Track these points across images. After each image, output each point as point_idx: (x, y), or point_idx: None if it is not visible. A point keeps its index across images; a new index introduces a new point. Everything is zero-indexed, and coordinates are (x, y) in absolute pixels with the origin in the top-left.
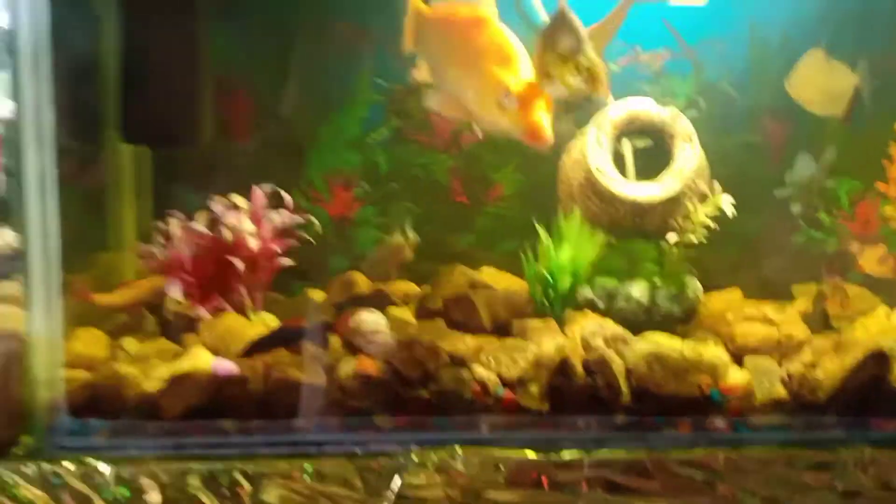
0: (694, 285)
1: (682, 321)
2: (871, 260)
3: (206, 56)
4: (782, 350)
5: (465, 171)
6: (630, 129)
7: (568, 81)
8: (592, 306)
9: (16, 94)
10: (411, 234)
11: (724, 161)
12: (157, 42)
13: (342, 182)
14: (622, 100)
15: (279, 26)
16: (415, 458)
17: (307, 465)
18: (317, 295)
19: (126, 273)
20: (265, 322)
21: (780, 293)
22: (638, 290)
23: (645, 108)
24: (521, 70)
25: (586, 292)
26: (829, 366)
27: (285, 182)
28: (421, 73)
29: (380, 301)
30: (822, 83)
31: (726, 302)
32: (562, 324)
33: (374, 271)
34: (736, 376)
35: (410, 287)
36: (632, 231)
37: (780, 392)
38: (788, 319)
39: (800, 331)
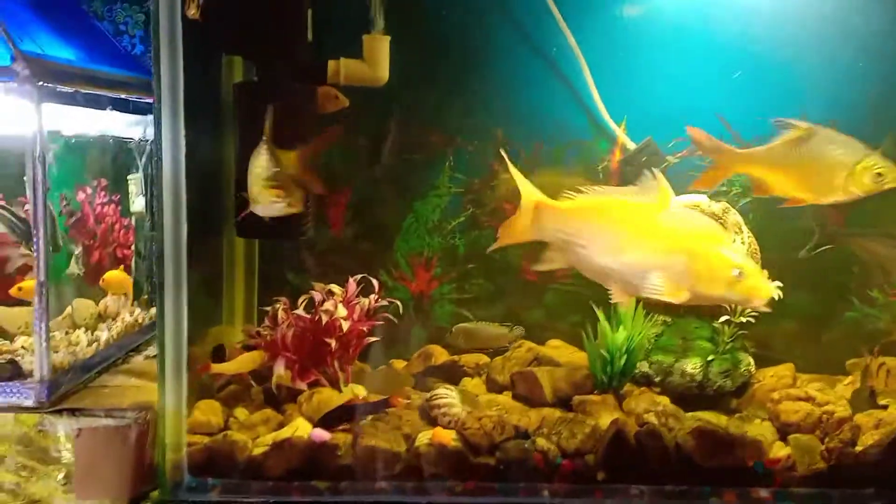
0: (747, 361)
1: (735, 395)
2: None
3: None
4: (823, 427)
5: (534, 252)
6: None
7: None
8: (648, 381)
9: (159, 208)
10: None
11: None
12: None
13: (423, 263)
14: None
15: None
16: None
17: None
18: (399, 365)
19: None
20: (354, 392)
21: (833, 368)
22: (691, 365)
23: (697, 201)
24: (729, 244)
25: (643, 367)
26: (869, 441)
27: (374, 264)
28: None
29: (454, 372)
30: None
31: (778, 377)
32: (619, 398)
33: None
34: (779, 451)
35: (482, 358)
36: (687, 311)
37: (821, 466)
38: (831, 398)
39: (841, 408)
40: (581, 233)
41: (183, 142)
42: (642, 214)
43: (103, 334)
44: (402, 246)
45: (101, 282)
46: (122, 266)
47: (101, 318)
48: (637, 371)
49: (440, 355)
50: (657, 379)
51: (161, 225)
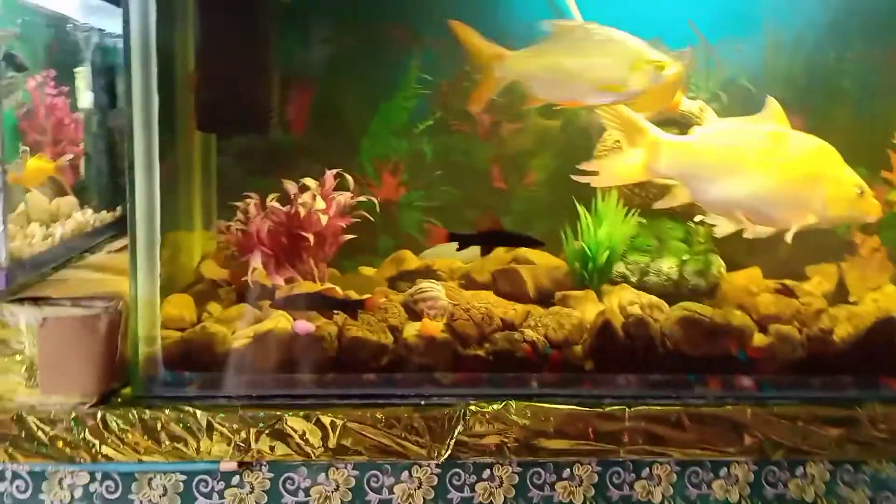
0: (718, 262)
1: (707, 295)
2: (867, 248)
3: (272, 54)
4: (801, 318)
5: (504, 158)
6: (659, 119)
7: None
8: (626, 280)
9: (128, 89)
10: None
11: None
12: (229, 42)
13: (390, 168)
14: None
15: (338, 28)
16: (473, 409)
17: (379, 414)
18: (368, 271)
19: (196, 249)
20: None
21: (794, 274)
22: (667, 265)
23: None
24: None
25: (619, 268)
26: (844, 332)
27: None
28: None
29: (427, 276)
30: None
31: (747, 279)
32: (599, 296)
33: None
34: (760, 340)
35: (455, 263)
36: (661, 212)
37: (800, 354)
38: (807, 292)
39: (818, 300)
40: (705, 168)
41: (153, 28)
42: (764, 142)
43: (57, 230)
44: (367, 150)
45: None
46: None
47: (53, 217)
48: (614, 272)
49: (412, 261)
50: (634, 279)
51: (130, 102)
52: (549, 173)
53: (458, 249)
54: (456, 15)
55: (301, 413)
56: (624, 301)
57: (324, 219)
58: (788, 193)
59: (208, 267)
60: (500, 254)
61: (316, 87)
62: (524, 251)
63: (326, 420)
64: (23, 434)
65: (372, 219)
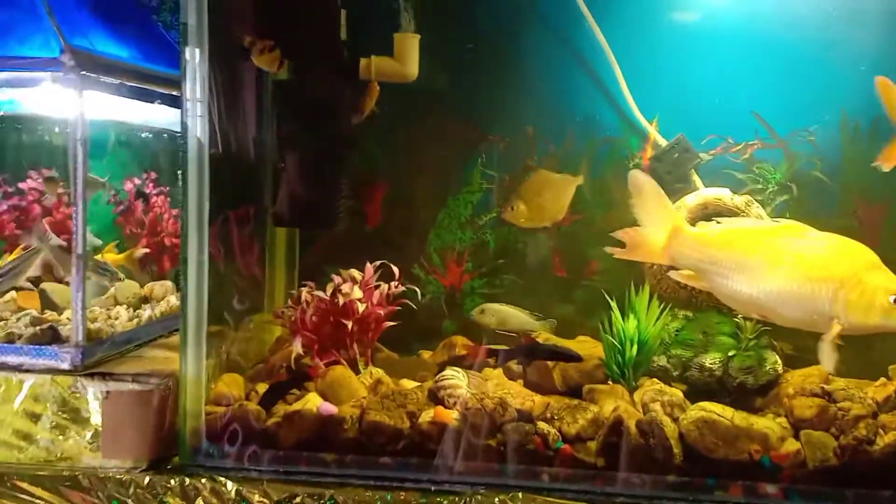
0: (773, 359)
1: (760, 394)
2: None
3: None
4: (839, 424)
5: (565, 247)
6: (704, 214)
7: None
8: (667, 375)
9: (184, 195)
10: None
11: None
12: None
13: (455, 258)
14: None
15: (411, 130)
16: (480, 498)
17: (388, 496)
18: (426, 355)
19: (273, 331)
20: (372, 374)
21: (876, 373)
22: (710, 360)
23: (718, 194)
24: (882, 266)
25: (661, 361)
26: (887, 441)
27: (408, 258)
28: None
29: (476, 361)
30: None
31: (806, 376)
32: (632, 390)
33: None
34: (787, 446)
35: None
36: (709, 305)
37: (833, 463)
38: (851, 395)
39: (859, 406)
40: (721, 263)
41: (205, 124)
42: (782, 242)
43: (145, 312)
44: (434, 240)
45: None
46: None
47: (147, 300)
48: (655, 365)
49: (463, 346)
50: (675, 373)
51: (186, 204)
52: (611, 262)
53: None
54: (520, 115)
55: (316, 491)
56: (647, 398)
57: (361, 307)
58: (805, 295)
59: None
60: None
61: (390, 183)
62: (578, 341)
63: (340, 499)
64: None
65: (415, 307)
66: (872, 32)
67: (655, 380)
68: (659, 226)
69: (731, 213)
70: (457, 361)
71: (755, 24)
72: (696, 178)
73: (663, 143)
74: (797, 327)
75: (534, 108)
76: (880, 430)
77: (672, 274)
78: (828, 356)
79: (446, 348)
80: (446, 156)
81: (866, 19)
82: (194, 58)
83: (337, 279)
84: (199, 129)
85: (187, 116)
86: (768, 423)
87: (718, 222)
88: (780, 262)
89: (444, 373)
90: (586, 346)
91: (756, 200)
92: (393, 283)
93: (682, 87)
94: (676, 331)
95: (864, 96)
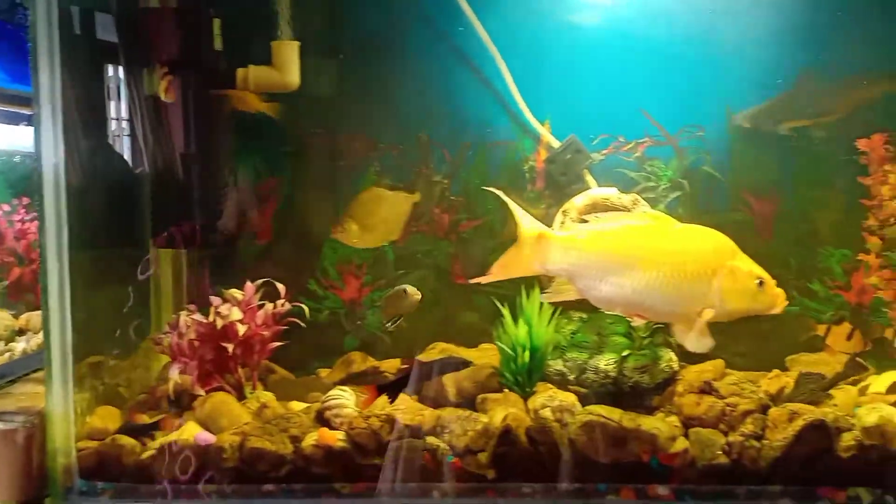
0: (668, 356)
1: (657, 391)
2: (837, 338)
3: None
4: (727, 420)
5: (464, 255)
6: (592, 213)
7: None
8: (564, 379)
9: (41, 222)
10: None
11: None
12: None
13: (353, 270)
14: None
15: (299, 141)
16: None
17: None
18: (324, 373)
19: (162, 358)
20: (259, 398)
21: (773, 364)
22: (605, 362)
23: (606, 193)
24: (741, 254)
25: (558, 365)
26: (776, 436)
27: (303, 273)
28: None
29: (374, 378)
30: None
31: (701, 372)
32: (528, 397)
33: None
34: (678, 445)
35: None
36: None
37: (722, 461)
38: (740, 390)
39: (746, 401)
40: (592, 265)
41: (62, 149)
42: (652, 238)
43: (19, 345)
44: (330, 254)
45: None
46: None
47: (22, 331)
48: (551, 369)
49: (361, 363)
50: (572, 376)
51: (43, 230)
52: None
53: (391, 403)
54: (412, 123)
55: None
56: (537, 404)
57: (241, 329)
58: (680, 288)
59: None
60: (434, 354)
61: (280, 197)
62: (482, 349)
63: None
64: None
65: (305, 325)
66: (756, 28)
67: (549, 385)
68: (523, 237)
69: (618, 210)
70: (355, 379)
71: (641, 23)
72: (589, 178)
73: (556, 144)
74: (669, 320)
75: (426, 115)
76: (770, 424)
77: (543, 297)
78: (700, 341)
79: (344, 365)
80: (338, 166)
81: (750, 15)
82: (47, 79)
83: (216, 301)
84: (53, 153)
85: (41, 140)
86: (656, 423)
87: (585, 220)
88: (652, 259)
89: (330, 392)
90: (487, 355)
91: (649, 198)
92: (279, 302)
93: (572, 88)
94: (572, 333)
95: (749, 91)
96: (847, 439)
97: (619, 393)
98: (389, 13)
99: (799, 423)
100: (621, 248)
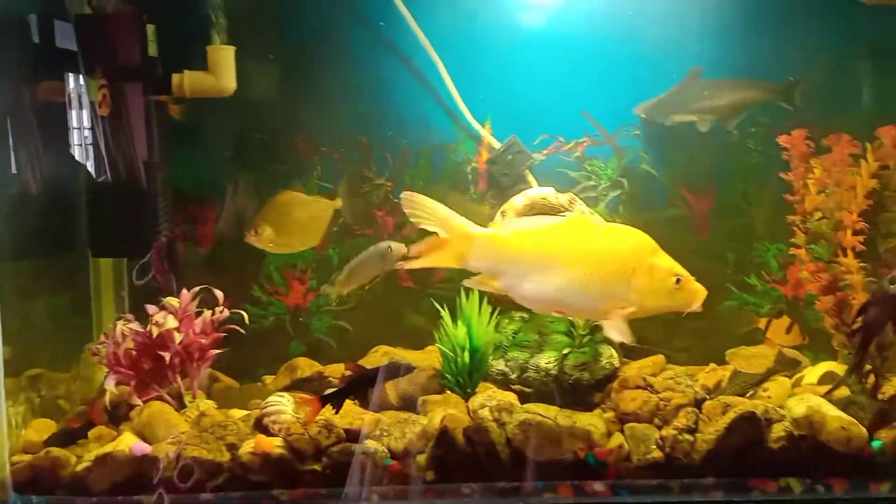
0: (609, 353)
1: (598, 388)
2: (777, 331)
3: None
4: (661, 414)
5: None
6: (530, 212)
7: None
8: (506, 378)
9: None
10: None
11: (651, 233)
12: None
13: (297, 275)
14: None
15: (238, 144)
16: None
17: None
18: (268, 380)
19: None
20: (198, 407)
21: (713, 358)
22: (545, 360)
23: (544, 193)
24: (660, 251)
25: (499, 365)
26: (709, 429)
27: (246, 279)
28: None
29: (320, 383)
30: None
31: (640, 367)
32: (469, 398)
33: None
34: (614, 441)
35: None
36: None
37: (657, 455)
38: (676, 384)
39: (680, 395)
40: (516, 263)
41: None
42: (572, 236)
43: None
44: (274, 259)
45: None
46: None
47: None
48: (493, 369)
49: (306, 369)
50: (514, 376)
51: None
52: (454, 271)
53: (335, 413)
54: (353, 125)
55: None
56: (475, 404)
57: (177, 337)
58: (600, 286)
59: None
60: (377, 357)
61: (220, 203)
62: (403, 355)
63: None
64: None
65: (243, 332)
66: (690, 28)
67: (489, 385)
68: (448, 234)
69: (556, 211)
70: (299, 385)
71: (580, 23)
72: (531, 178)
73: (497, 145)
74: (591, 317)
75: (367, 118)
76: (705, 418)
77: (466, 282)
78: (622, 331)
79: (288, 371)
80: (279, 170)
81: (684, 16)
82: None
83: (152, 309)
84: None
85: None
86: (591, 420)
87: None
88: (573, 257)
89: (268, 399)
90: (432, 357)
91: (590, 197)
92: (217, 309)
93: (512, 89)
94: (514, 333)
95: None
96: (777, 430)
97: (560, 391)
98: (329, 16)
99: (730, 416)
100: (543, 247)
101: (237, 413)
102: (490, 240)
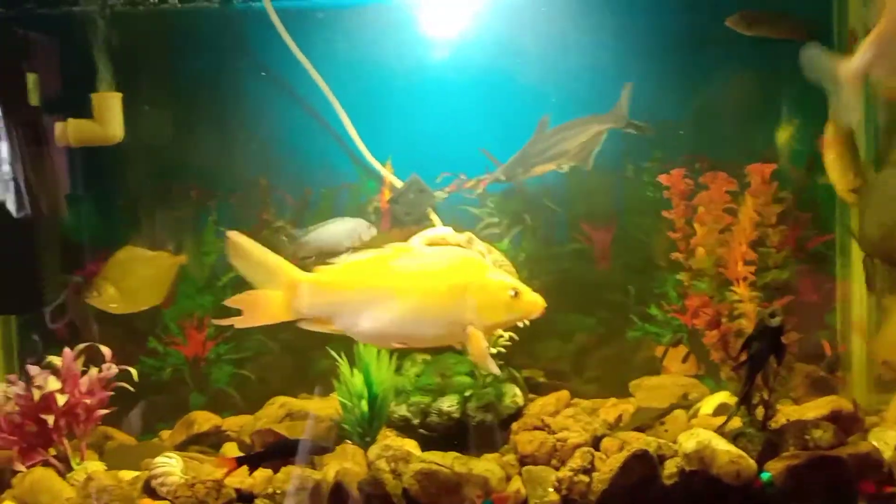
0: (512, 392)
1: (503, 428)
2: (673, 360)
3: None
4: (559, 455)
5: None
6: None
7: None
8: (408, 424)
9: None
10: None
11: (554, 267)
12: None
13: (195, 324)
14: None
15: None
16: None
17: None
18: (166, 435)
19: None
20: (86, 470)
21: (618, 390)
22: (448, 403)
23: (442, 233)
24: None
25: (402, 410)
26: (604, 468)
27: (141, 330)
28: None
29: (218, 437)
30: None
31: (543, 405)
32: (368, 447)
33: None
34: (511, 486)
35: (247, 420)
36: (446, 347)
37: (553, 498)
38: (575, 424)
39: (576, 434)
40: (349, 302)
41: None
42: (399, 267)
43: None
44: (171, 309)
45: None
46: None
47: None
48: (396, 415)
49: (204, 423)
50: (416, 421)
51: None
52: None
53: (250, 473)
54: (249, 168)
55: None
56: (372, 455)
57: (61, 399)
58: (435, 311)
59: None
60: (274, 409)
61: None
62: (302, 406)
63: None
64: None
65: (132, 389)
66: (583, 67)
67: (388, 433)
68: (272, 282)
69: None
70: (196, 440)
71: (476, 60)
72: (434, 216)
73: (399, 184)
74: (437, 344)
75: (264, 160)
76: (603, 456)
77: (302, 325)
78: (484, 361)
79: (184, 426)
80: (172, 218)
81: (574, 55)
82: None
83: (33, 370)
84: None
85: None
86: (488, 466)
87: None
88: (404, 286)
89: (155, 460)
90: (335, 405)
91: (493, 233)
92: (105, 366)
93: (412, 128)
94: (416, 375)
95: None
96: (670, 466)
97: (464, 433)
98: (221, 60)
99: (623, 454)
100: (371, 282)
101: (127, 475)
102: (316, 284)
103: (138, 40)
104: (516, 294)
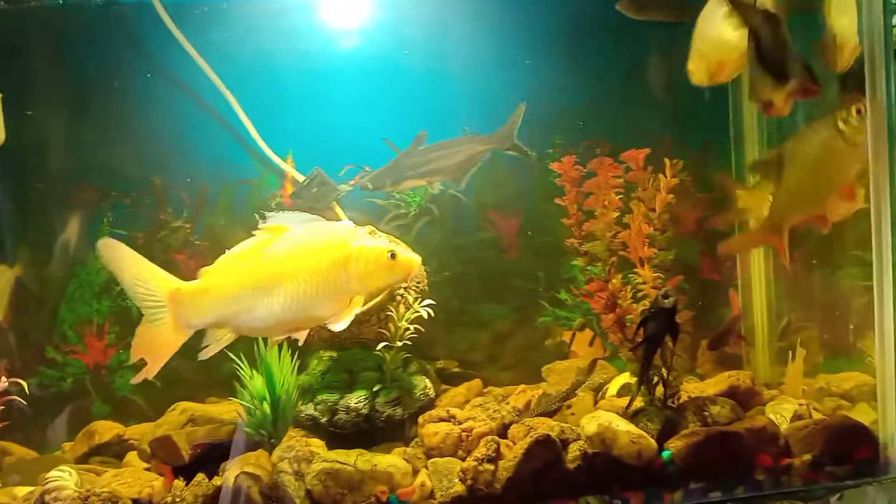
0: (423, 384)
1: (413, 422)
2: (581, 344)
3: None
4: (465, 445)
5: None
6: None
7: None
8: (316, 423)
9: None
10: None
11: (464, 257)
12: None
13: (94, 331)
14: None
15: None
16: None
17: None
18: (68, 447)
19: None
20: None
21: (529, 377)
22: (355, 399)
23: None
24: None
25: (309, 409)
26: (508, 455)
27: (36, 340)
28: None
29: (120, 447)
30: None
31: (453, 396)
32: (271, 449)
33: None
34: (418, 480)
35: (149, 428)
36: (353, 342)
37: (459, 489)
38: (482, 413)
39: (481, 424)
40: (237, 300)
41: None
42: (274, 251)
43: None
44: (68, 316)
45: None
46: None
47: None
48: (303, 415)
49: (106, 433)
50: (324, 420)
51: None
52: None
53: (186, 485)
54: (143, 167)
55: None
56: (275, 457)
57: None
58: (321, 287)
59: None
60: (175, 416)
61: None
62: (205, 410)
63: None
64: None
65: (24, 402)
66: (480, 54)
67: (295, 433)
68: (152, 295)
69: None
70: (98, 451)
71: (376, 50)
72: (339, 210)
73: (301, 178)
74: (328, 323)
75: (158, 159)
76: (509, 443)
77: (202, 355)
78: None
79: (86, 437)
80: (63, 221)
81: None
82: None
83: None
84: None
85: None
86: (392, 461)
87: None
88: (291, 269)
89: (49, 474)
90: (229, 413)
91: (400, 225)
92: None
93: (313, 120)
94: (322, 373)
95: (486, 118)
96: (573, 450)
97: (373, 429)
98: (109, 56)
99: (527, 441)
100: (255, 274)
101: (21, 491)
102: (197, 290)
103: (22, 39)
104: (393, 256)
